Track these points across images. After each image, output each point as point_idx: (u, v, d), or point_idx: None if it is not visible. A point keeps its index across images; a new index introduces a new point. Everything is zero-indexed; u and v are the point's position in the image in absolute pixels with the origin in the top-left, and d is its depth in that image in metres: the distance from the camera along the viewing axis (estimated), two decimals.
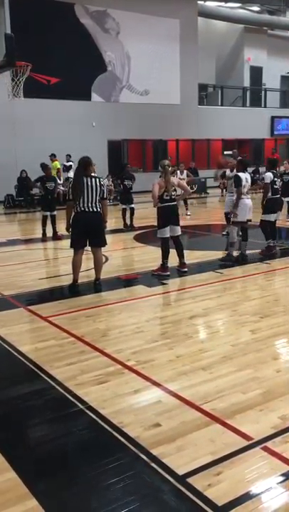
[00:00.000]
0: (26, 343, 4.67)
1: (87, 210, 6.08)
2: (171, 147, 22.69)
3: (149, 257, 8.16)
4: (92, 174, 6.27)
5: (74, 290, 6.25)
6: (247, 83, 25.94)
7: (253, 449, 2.88)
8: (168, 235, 6.95)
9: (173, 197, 6.90)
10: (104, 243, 6.34)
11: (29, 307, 5.77)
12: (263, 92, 26.36)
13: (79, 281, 6.36)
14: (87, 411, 3.36)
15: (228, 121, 23.48)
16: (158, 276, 6.91)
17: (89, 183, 6.08)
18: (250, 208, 7.65)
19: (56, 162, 16.83)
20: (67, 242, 8.17)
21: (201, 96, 24.18)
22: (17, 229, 13.73)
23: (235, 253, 7.81)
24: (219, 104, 24.66)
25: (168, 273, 6.94)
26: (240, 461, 2.77)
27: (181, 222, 7.30)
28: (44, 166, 10.56)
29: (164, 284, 6.64)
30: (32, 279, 7.10)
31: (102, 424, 3.21)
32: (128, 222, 11.45)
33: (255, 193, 11.48)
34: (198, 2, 22.12)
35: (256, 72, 26.21)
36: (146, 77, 20.54)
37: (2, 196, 17.20)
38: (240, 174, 7.60)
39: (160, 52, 20.69)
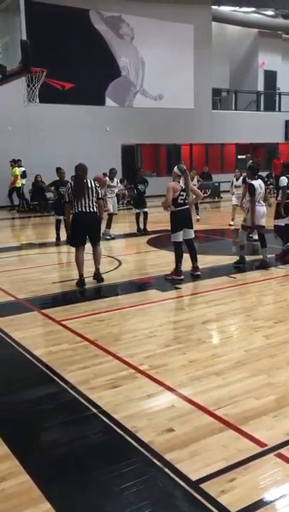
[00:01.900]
0: (40, 346, 4.69)
1: (85, 210, 6.61)
2: (184, 151, 22.69)
3: (162, 262, 8.16)
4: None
5: (82, 284, 6.73)
6: (261, 87, 25.86)
7: (266, 455, 2.86)
8: (181, 239, 6.96)
9: (186, 201, 6.92)
10: (99, 239, 7.06)
11: (43, 311, 5.80)
12: (277, 96, 26.25)
13: (85, 275, 6.76)
14: (100, 415, 3.37)
15: (242, 125, 23.41)
16: (171, 281, 6.91)
17: (88, 186, 6.64)
18: (263, 215, 7.59)
19: (16, 169, 16.85)
20: None
21: (215, 100, 24.15)
22: (31, 233, 13.84)
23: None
24: (233, 108, 24.61)
25: (182, 277, 6.93)
26: (253, 468, 2.75)
27: (194, 227, 7.30)
28: (57, 170, 10.63)
29: (177, 288, 6.63)
30: (46, 282, 7.15)
31: (115, 428, 3.21)
32: (141, 226, 11.46)
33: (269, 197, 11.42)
34: (213, 7, 22.13)
35: (270, 76, 26.12)
36: (160, 82, 20.59)
37: (17, 200, 17.36)
38: (254, 182, 7.49)
39: (174, 57, 20.75)
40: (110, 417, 3.33)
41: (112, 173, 10.93)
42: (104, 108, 19.72)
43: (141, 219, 11.46)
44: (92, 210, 6.65)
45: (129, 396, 3.61)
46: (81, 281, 6.74)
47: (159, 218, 12.13)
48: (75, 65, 18.01)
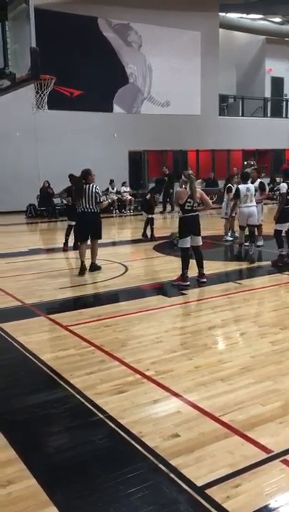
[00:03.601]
0: (47, 351, 4.72)
1: (87, 210, 7.69)
2: (191, 158, 22.74)
3: (168, 267, 8.18)
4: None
5: (82, 271, 7.84)
6: (268, 94, 25.89)
7: (272, 461, 2.87)
8: (188, 245, 6.99)
9: (195, 207, 6.93)
10: (99, 236, 8.06)
11: (50, 316, 5.84)
12: (284, 102, 26.28)
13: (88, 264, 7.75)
14: (107, 420, 3.39)
15: (248, 131, 23.43)
16: (178, 286, 6.93)
17: (87, 190, 7.61)
18: (249, 215, 8.48)
19: None
20: (89, 252, 8.28)
21: (222, 107, 24.21)
22: (38, 238, 13.92)
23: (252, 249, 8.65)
24: (240, 114, 24.65)
25: (188, 283, 6.95)
26: (259, 474, 2.76)
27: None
28: (70, 177, 10.65)
29: (183, 294, 6.65)
30: (53, 288, 7.19)
31: (122, 433, 3.23)
32: (148, 232, 11.51)
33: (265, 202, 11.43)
34: (220, 14, 22.23)
35: (277, 83, 26.15)
36: (168, 89, 20.68)
37: (24, 206, 17.47)
38: (240, 186, 8.58)
39: (181, 64, 20.84)
40: (116, 422, 3.35)
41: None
42: (111, 115, 19.82)
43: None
44: (92, 210, 7.70)
45: (135, 401, 3.63)
46: (82, 268, 7.85)
47: (165, 224, 12.17)
48: (83, 72, 18.14)
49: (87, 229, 7.85)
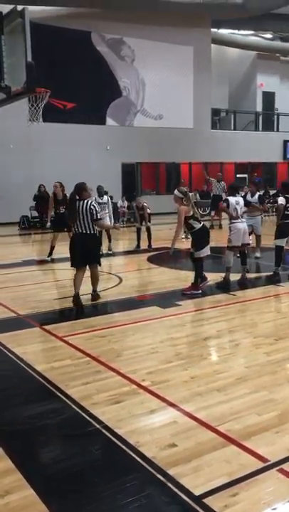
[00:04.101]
0: (42, 362, 4.71)
1: (82, 232, 6.52)
2: (184, 170, 22.92)
3: (162, 279, 8.22)
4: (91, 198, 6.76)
5: (77, 301, 6.60)
6: (259, 108, 26.26)
7: (269, 470, 2.88)
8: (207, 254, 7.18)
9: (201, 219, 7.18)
10: (99, 261, 6.88)
11: (45, 327, 5.83)
12: (275, 116, 26.65)
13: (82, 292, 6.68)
14: (103, 430, 3.39)
15: (240, 145, 23.70)
16: (190, 295, 7.02)
17: (82, 207, 6.47)
18: (244, 232, 7.68)
19: None
20: None
21: (214, 120, 24.50)
22: (32, 249, 13.90)
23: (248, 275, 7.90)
24: (232, 128, 24.95)
25: (200, 291, 7.11)
26: (256, 483, 2.77)
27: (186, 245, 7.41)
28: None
29: (178, 305, 6.68)
30: (47, 299, 7.18)
31: (118, 443, 3.22)
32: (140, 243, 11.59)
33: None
34: (212, 30, 22.60)
35: (269, 97, 26.54)
36: (160, 102, 20.93)
37: (18, 217, 17.47)
38: (230, 198, 7.76)
39: (174, 78, 21.11)
40: (113, 432, 3.35)
41: (99, 191, 10.95)
42: (105, 127, 19.99)
43: (144, 236, 11.54)
44: (88, 231, 6.53)
45: (131, 412, 3.64)
46: (75, 299, 6.61)
47: (159, 236, 12.22)
48: (76, 85, 18.32)
49: (82, 254, 6.60)
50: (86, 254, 6.61)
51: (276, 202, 8.99)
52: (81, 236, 6.55)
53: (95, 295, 6.95)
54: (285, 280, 7.98)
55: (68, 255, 6.94)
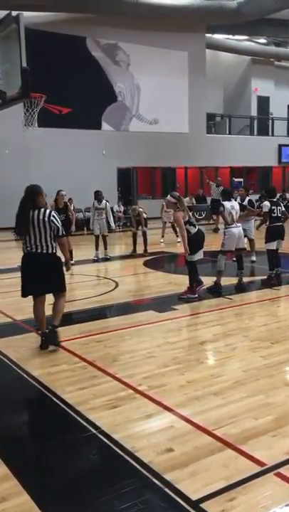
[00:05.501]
0: (38, 367, 4.69)
1: (36, 251, 4.94)
2: (180, 174, 22.97)
3: (159, 283, 8.21)
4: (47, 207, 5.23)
5: (44, 344, 5.14)
6: (254, 112, 26.38)
7: (266, 474, 2.87)
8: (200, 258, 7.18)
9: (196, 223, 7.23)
10: (61, 288, 5.17)
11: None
12: (270, 121, 26.78)
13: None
14: (100, 435, 3.37)
15: (236, 149, 23.78)
16: (186, 299, 7.02)
17: (35, 218, 4.90)
18: (239, 237, 7.66)
19: None
20: (79, 268, 8.21)
21: (209, 125, 24.59)
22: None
23: (242, 279, 7.87)
24: (227, 132, 25.04)
25: (196, 295, 7.11)
26: (253, 487, 2.76)
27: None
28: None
29: (174, 309, 6.67)
30: None
31: (115, 448, 3.21)
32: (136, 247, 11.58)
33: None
34: (206, 35, 22.71)
35: (263, 102, 26.67)
36: (156, 107, 20.99)
37: (13, 223, 17.39)
38: (225, 203, 7.73)
39: (169, 83, 21.18)
40: (110, 437, 3.34)
41: (97, 196, 10.93)
42: (100, 132, 20.01)
43: (141, 240, 11.55)
44: (43, 250, 4.94)
45: (128, 416, 3.62)
46: (43, 342, 5.13)
47: (155, 240, 12.23)
48: (72, 90, 18.36)
49: (38, 279, 4.97)
50: (43, 279, 4.99)
51: (260, 207, 9.01)
52: (35, 256, 4.95)
53: (50, 333, 5.11)
54: (281, 284, 7.99)
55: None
